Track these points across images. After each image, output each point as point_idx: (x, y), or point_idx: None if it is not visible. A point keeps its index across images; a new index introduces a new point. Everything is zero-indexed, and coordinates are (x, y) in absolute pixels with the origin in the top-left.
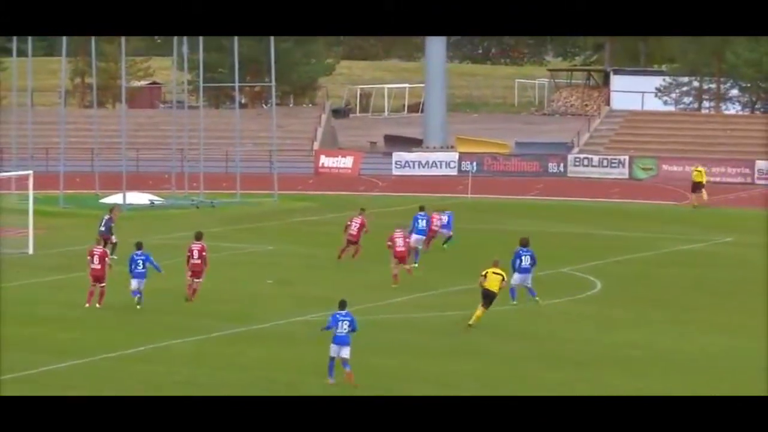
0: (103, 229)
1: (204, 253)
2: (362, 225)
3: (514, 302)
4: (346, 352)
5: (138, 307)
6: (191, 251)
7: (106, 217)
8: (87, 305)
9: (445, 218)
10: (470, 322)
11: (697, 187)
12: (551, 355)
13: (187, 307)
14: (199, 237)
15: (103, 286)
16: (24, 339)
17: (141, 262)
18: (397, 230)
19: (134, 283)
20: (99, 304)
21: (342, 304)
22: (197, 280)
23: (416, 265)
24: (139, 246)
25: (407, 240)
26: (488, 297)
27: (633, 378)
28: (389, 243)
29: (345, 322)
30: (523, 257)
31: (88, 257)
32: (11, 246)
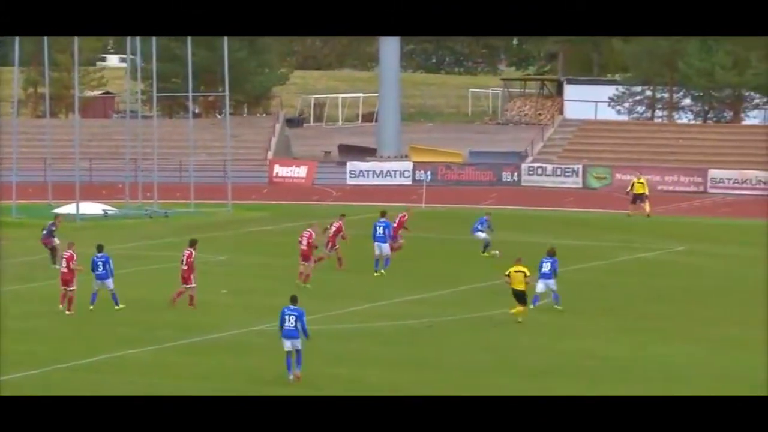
0: (44, 232)
1: (191, 260)
2: (339, 230)
3: (533, 306)
4: (298, 344)
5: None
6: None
7: (50, 222)
8: (60, 306)
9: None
10: (519, 320)
11: (637, 198)
12: (505, 363)
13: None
14: (192, 244)
15: (72, 290)
16: None
17: (101, 264)
18: (306, 230)
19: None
20: (69, 310)
21: (293, 300)
22: (187, 286)
23: (383, 272)
24: (100, 248)
25: (311, 240)
26: (518, 296)
27: (586, 386)
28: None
29: (292, 316)
30: (544, 264)
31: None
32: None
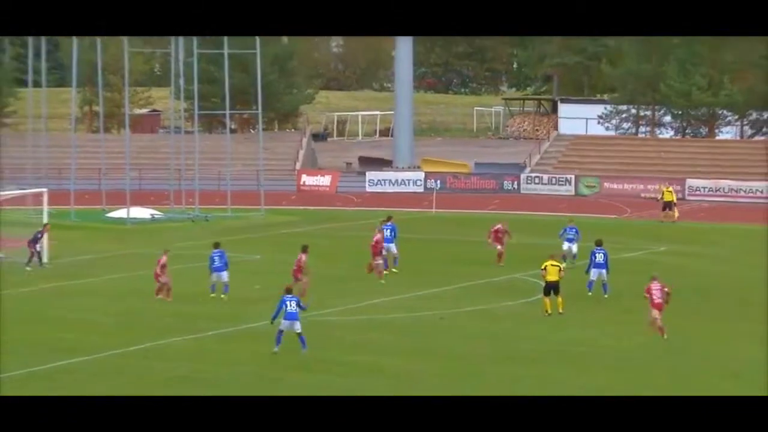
0: (31, 238)
1: (300, 263)
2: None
3: (590, 293)
4: (297, 327)
5: (223, 296)
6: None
7: (39, 230)
8: (157, 296)
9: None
10: (548, 311)
11: (667, 206)
12: (505, 352)
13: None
14: (304, 249)
15: (165, 282)
16: (36, 339)
17: (217, 258)
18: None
19: (214, 277)
20: (167, 297)
21: (288, 290)
22: (300, 281)
23: (395, 269)
24: (216, 245)
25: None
26: (551, 287)
27: (578, 373)
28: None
29: (292, 302)
30: (597, 254)
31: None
32: (27, 256)
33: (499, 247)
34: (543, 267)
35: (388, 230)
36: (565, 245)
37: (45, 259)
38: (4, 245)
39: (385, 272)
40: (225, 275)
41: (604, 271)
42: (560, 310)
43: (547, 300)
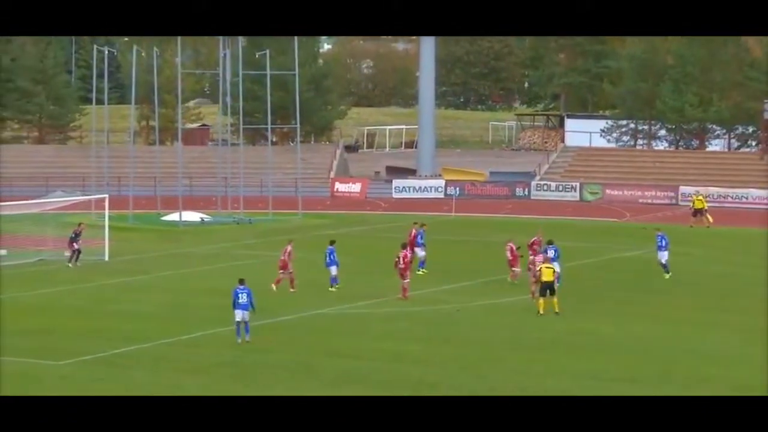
0: (72, 236)
1: (407, 260)
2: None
3: (668, 275)
4: (247, 316)
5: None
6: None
7: (76, 229)
8: (273, 287)
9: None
10: (540, 312)
11: (698, 212)
12: (516, 340)
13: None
14: (404, 246)
15: (290, 273)
16: (98, 329)
17: (245, 295)
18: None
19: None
20: (292, 288)
21: (241, 281)
22: (404, 281)
23: (424, 270)
24: (332, 242)
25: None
26: (546, 287)
27: (581, 358)
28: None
29: (244, 294)
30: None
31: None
32: (91, 254)
33: (517, 269)
34: (538, 269)
35: (420, 235)
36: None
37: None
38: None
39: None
40: (334, 269)
41: (666, 253)
42: (556, 310)
43: (541, 300)
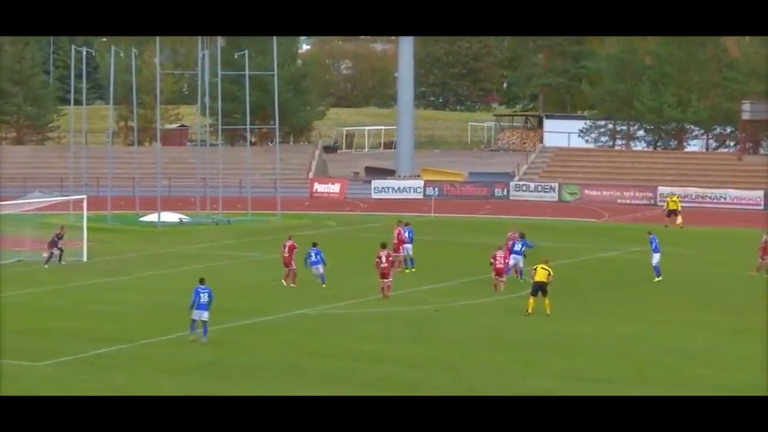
0: (54, 239)
1: (390, 258)
2: (399, 235)
3: (659, 278)
4: (205, 316)
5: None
6: (284, 246)
7: (59, 232)
8: (284, 282)
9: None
10: (528, 311)
11: (672, 213)
12: (496, 340)
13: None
14: (383, 246)
15: (293, 270)
16: (78, 329)
17: (206, 295)
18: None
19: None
20: (293, 283)
21: (201, 281)
22: (386, 281)
23: (413, 269)
24: (314, 244)
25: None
26: (538, 287)
27: (562, 359)
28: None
29: (205, 293)
30: (654, 241)
31: (282, 247)
32: (69, 254)
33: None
34: (533, 268)
35: (406, 232)
36: (512, 260)
37: (60, 260)
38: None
39: (406, 270)
40: (320, 268)
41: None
42: (547, 312)
43: (531, 300)
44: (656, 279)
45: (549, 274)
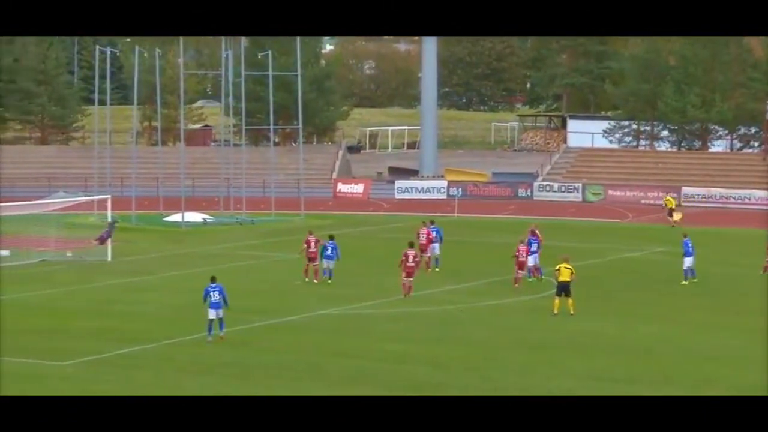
0: (99, 236)
1: (417, 258)
2: (428, 235)
3: (686, 282)
4: (220, 314)
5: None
6: (308, 242)
7: (106, 229)
8: (306, 278)
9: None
10: (555, 311)
11: (671, 212)
12: (521, 341)
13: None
14: (411, 245)
15: (316, 265)
16: (101, 329)
17: (216, 293)
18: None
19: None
20: (315, 280)
21: (212, 279)
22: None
23: (437, 269)
24: (331, 237)
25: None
26: (562, 288)
27: (585, 359)
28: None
29: (215, 292)
30: (688, 244)
31: (305, 245)
32: (94, 254)
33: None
34: (557, 268)
35: (434, 232)
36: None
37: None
38: (74, 246)
39: (428, 270)
40: (332, 263)
41: (692, 259)
42: (571, 312)
43: (557, 300)
44: (687, 281)
45: (572, 272)
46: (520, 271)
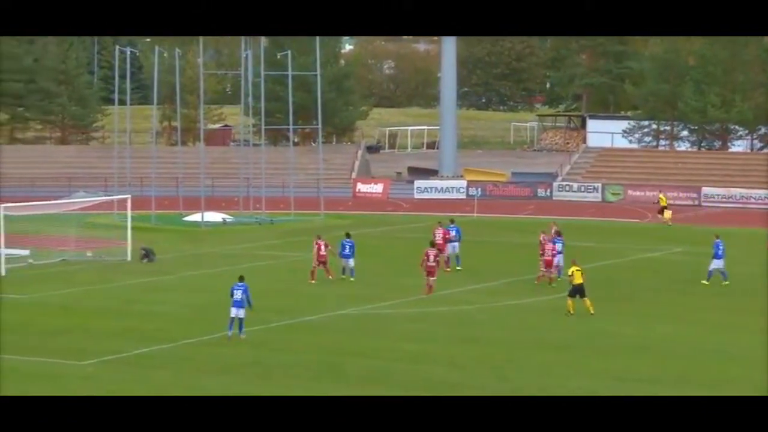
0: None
1: (437, 258)
2: (445, 235)
3: (706, 282)
4: (241, 313)
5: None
6: (318, 246)
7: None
8: (312, 281)
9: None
10: (570, 311)
11: (663, 209)
12: (540, 341)
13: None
14: (433, 245)
15: (327, 266)
16: (120, 329)
17: (240, 292)
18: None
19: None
20: (331, 276)
21: (240, 278)
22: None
23: (459, 268)
24: (348, 235)
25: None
26: (576, 290)
27: (602, 359)
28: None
29: (239, 290)
30: (720, 246)
31: (316, 247)
32: (113, 254)
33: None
34: (570, 273)
35: (453, 231)
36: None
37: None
38: (93, 245)
39: (447, 269)
40: (352, 261)
41: (722, 261)
42: (591, 311)
43: (570, 301)
44: (708, 281)
45: (582, 273)
46: (547, 270)
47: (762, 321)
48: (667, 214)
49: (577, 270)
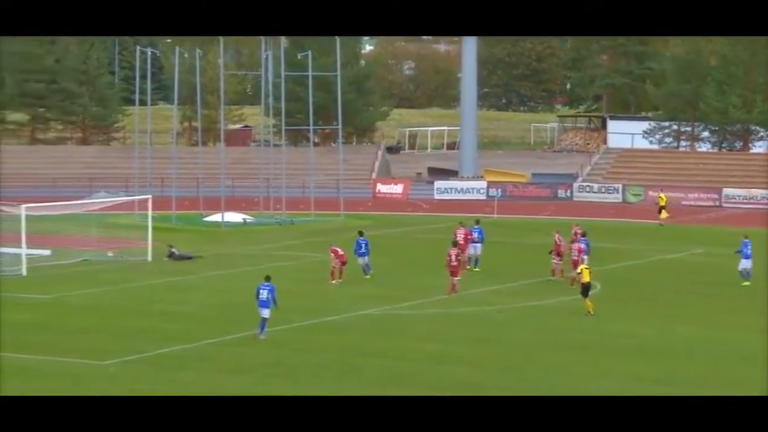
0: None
1: (459, 257)
2: (467, 235)
3: (747, 283)
4: (266, 313)
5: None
6: (334, 251)
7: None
8: (333, 282)
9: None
10: (591, 312)
11: (662, 209)
12: (560, 342)
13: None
14: (455, 245)
15: (342, 266)
16: (142, 329)
17: (265, 292)
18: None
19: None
20: (340, 278)
21: (266, 278)
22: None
23: (477, 269)
24: (361, 233)
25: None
26: (586, 288)
27: (623, 360)
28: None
29: (265, 290)
30: (748, 246)
31: (331, 253)
32: (134, 255)
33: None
34: (579, 271)
35: (476, 233)
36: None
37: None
38: (114, 245)
39: (469, 269)
40: (366, 259)
41: (750, 261)
42: (590, 311)
43: (588, 302)
44: (744, 283)
45: (590, 271)
46: (574, 271)
47: None
48: (664, 214)
49: (585, 268)
